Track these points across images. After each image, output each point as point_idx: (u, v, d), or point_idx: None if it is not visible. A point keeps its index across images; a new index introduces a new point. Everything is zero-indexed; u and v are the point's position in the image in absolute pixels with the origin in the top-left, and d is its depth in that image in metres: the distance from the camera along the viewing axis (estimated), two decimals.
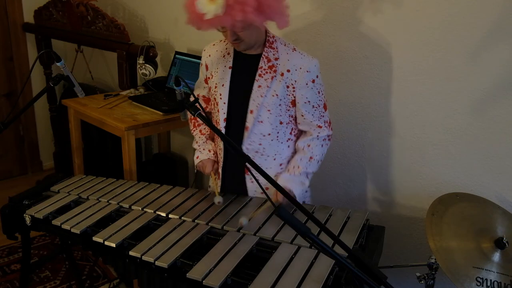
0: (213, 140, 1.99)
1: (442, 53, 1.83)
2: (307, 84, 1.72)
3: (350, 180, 2.27)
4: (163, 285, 1.49)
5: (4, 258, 2.91)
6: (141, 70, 2.81)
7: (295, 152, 1.86)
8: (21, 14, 3.66)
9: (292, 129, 1.82)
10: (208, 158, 1.92)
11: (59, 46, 3.73)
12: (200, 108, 1.44)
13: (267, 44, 1.73)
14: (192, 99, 1.47)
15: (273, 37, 1.74)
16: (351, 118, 2.19)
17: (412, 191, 2.05)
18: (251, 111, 1.75)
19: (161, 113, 2.55)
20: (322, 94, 1.78)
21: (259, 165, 1.78)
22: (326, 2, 2.13)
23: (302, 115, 1.78)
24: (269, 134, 1.78)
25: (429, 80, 1.89)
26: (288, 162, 1.85)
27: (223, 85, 1.78)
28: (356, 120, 2.17)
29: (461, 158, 1.87)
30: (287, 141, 1.83)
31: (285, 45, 1.75)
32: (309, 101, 1.75)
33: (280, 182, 1.75)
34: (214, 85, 1.82)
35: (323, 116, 1.79)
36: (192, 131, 2.01)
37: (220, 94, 1.79)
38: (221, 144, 1.87)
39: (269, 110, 1.75)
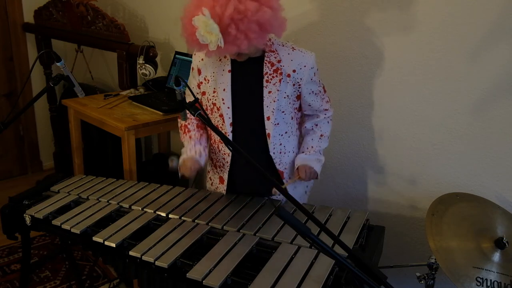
0: (201, 144, 1.91)
1: (442, 53, 1.83)
2: (311, 79, 1.77)
3: (350, 180, 2.27)
4: (163, 285, 1.49)
5: (4, 258, 2.91)
6: (141, 70, 2.81)
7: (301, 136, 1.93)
8: (21, 14, 3.66)
9: (296, 118, 1.88)
10: (191, 157, 1.84)
11: (59, 46, 3.73)
12: (200, 108, 1.44)
13: (267, 49, 1.73)
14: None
15: (269, 40, 1.74)
16: (351, 118, 2.19)
17: (412, 191, 2.05)
18: (268, 118, 1.76)
19: (161, 113, 2.55)
20: (321, 80, 1.85)
21: (284, 165, 1.85)
22: (326, 2, 2.13)
23: (309, 105, 1.84)
24: (286, 132, 1.83)
25: (429, 80, 1.89)
26: (299, 148, 1.91)
27: (224, 90, 1.76)
28: (356, 120, 2.17)
29: (461, 158, 1.87)
30: (296, 130, 1.90)
31: (283, 46, 1.75)
32: (313, 92, 1.81)
33: (299, 161, 1.84)
34: (212, 89, 1.79)
35: (324, 99, 1.87)
36: (181, 138, 1.95)
37: (223, 99, 1.77)
38: (227, 149, 1.86)
39: (283, 112, 1.78)
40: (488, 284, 1.43)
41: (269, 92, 1.74)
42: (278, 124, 1.79)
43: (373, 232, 1.71)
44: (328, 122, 1.90)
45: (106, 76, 3.64)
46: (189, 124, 1.94)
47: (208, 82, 1.81)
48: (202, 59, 1.83)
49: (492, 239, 1.51)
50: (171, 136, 3.25)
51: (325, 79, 2.16)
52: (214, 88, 1.79)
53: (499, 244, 1.49)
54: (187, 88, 1.55)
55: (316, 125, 1.89)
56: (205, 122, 1.42)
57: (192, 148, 1.88)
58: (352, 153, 2.23)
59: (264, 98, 1.74)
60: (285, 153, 1.86)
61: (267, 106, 1.75)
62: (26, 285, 2.13)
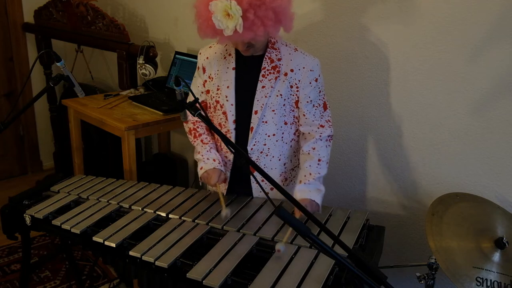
0: (217, 149, 1.90)
1: (442, 53, 1.83)
2: (310, 83, 1.73)
3: (350, 180, 2.27)
4: (163, 285, 1.49)
5: (4, 258, 2.91)
6: (141, 70, 2.81)
7: (296, 150, 1.85)
8: (21, 14, 3.66)
9: (296, 129, 1.82)
10: (214, 168, 1.79)
11: (59, 46, 3.73)
12: (200, 108, 1.44)
13: (269, 45, 1.73)
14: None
15: (274, 37, 1.74)
16: (351, 118, 2.19)
17: (412, 191, 2.05)
18: (256, 112, 1.74)
19: (161, 113, 2.55)
20: (323, 93, 1.79)
21: (263, 166, 1.81)
22: (327, 2, 2.13)
23: (304, 115, 1.77)
24: (274, 135, 1.78)
25: (429, 80, 1.89)
26: (290, 160, 1.85)
27: (228, 87, 1.76)
28: (356, 120, 2.17)
29: (461, 158, 1.87)
30: (291, 141, 1.83)
31: (286, 45, 1.75)
32: (310, 101, 1.75)
33: (298, 195, 1.70)
34: (216, 87, 1.79)
35: (323, 116, 1.79)
36: (193, 142, 1.91)
37: (226, 96, 1.76)
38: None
39: (273, 111, 1.74)
40: (488, 284, 1.43)
41: (263, 87, 1.73)
42: (266, 122, 1.75)
43: (373, 232, 1.71)
44: (326, 146, 1.78)
45: (106, 76, 3.64)
46: (198, 127, 1.89)
47: (212, 80, 1.81)
48: (207, 58, 1.82)
49: (492, 239, 1.51)
50: (171, 136, 3.25)
51: (325, 79, 2.16)
52: (218, 86, 1.78)
53: (499, 244, 1.49)
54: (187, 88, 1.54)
55: (314, 148, 1.76)
56: (205, 122, 1.42)
57: (208, 155, 1.83)
58: (352, 153, 2.23)
59: (256, 92, 1.73)
60: (267, 155, 1.80)
61: (258, 100, 1.73)
62: (26, 285, 2.13)
